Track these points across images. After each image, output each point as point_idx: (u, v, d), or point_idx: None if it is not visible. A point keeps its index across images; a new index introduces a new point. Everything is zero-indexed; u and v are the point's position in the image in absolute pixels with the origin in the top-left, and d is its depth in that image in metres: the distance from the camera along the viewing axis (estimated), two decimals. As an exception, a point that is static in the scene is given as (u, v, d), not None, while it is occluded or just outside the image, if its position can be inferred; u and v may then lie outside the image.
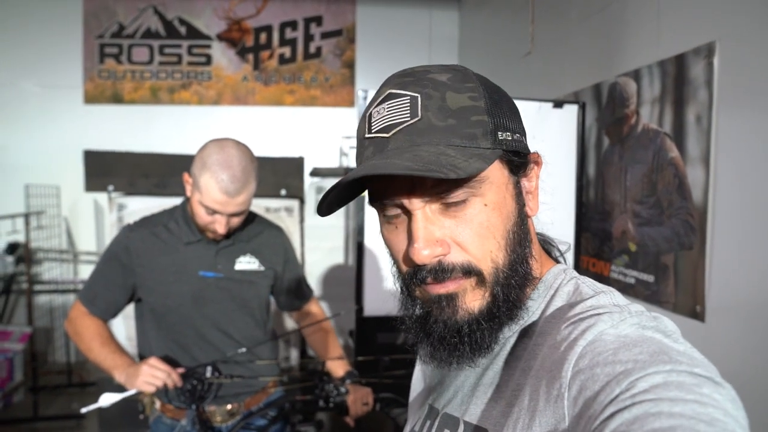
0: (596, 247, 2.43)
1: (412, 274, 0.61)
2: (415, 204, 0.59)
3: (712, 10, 1.74)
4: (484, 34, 4.27)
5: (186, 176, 1.59)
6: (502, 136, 0.60)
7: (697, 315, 1.78)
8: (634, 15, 2.17)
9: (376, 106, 0.61)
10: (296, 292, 1.89)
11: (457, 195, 0.58)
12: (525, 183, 0.66)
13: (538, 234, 0.72)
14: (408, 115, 0.58)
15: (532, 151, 0.67)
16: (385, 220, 0.64)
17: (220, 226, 1.53)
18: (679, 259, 1.88)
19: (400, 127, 0.58)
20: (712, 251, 1.74)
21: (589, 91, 2.48)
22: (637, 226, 2.13)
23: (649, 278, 2.04)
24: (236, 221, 1.58)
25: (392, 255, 0.65)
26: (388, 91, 0.61)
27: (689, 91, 1.83)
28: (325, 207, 0.63)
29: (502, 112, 0.61)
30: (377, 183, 0.61)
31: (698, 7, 1.80)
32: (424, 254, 0.58)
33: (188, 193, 1.59)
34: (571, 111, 2.45)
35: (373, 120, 0.61)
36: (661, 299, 1.97)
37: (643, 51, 2.10)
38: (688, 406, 0.42)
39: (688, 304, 1.83)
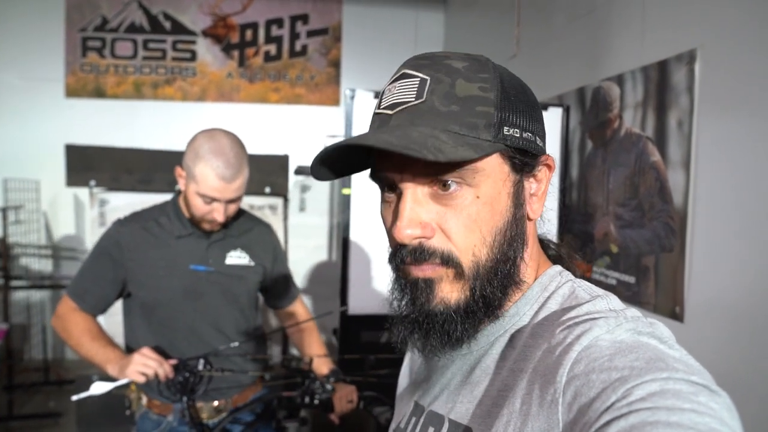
0: (578, 249, 2.47)
1: (394, 253, 0.62)
2: (406, 182, 0.60)
3: (694, 18, 1.78)
4: (469, 35, 4.30)
5: (178, 170, 1.59)
6: (508, 131, 0.59)
7: (677, 316, 1.82)
8: (619, 20, 2.21)
9: (390, 84, 0.63)
10: (284, 290, 1.89)
11: (447, 179, 0.58)
12: (530, 184, 0.64)
13: (539, 236, 0.73)
14: (414, 96, 0.59)
15: (546, 154, 0.65)
16: (383, 197, 0.65)
17: (218, 214, 1.55)
18: (659, 261, 1.92)
19: (404, 106, 0.59)
20: (692, 253, 1.78)
21: (573, 95, 2.52)
22: (618, 228, 2.16)
23: (630, 279, 2.08)
24: (233, 208, 1.60)
25: (386, 232, 0.66)
26: (403, 71, 0.62)
27: (671, 97, 1.87)
28: (320, 172, 0.65)
29: (514, 107, 0.60)
30: (376, 157, 0.62)
31: (681, 15, 1.84)
32: (405, 233, 0.58)
33: (182, 187, 1.60)
34: (555, 114, 2.48)
35: (384, 96, 0.63)
36: (642, 300, 2.01)
37: (627, 56, 2.14)
38: (685, 416, 0.42)
39: (668, 305, 1.87)
